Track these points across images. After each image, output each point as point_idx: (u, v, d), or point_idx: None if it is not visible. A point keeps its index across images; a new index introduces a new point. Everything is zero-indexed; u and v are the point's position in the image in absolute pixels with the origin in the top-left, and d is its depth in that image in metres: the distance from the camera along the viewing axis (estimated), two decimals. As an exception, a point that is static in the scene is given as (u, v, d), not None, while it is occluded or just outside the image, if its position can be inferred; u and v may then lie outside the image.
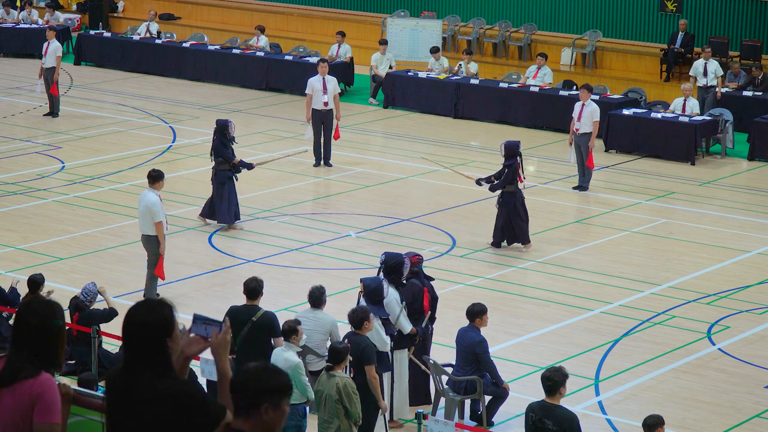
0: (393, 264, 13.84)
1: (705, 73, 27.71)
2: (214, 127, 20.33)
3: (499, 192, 19.36)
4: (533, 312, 17.10)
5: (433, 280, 14.59)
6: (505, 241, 19.57)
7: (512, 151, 19.24)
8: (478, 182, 19.87)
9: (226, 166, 20.05)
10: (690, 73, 28.21)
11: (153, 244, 16.86)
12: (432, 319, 14.19)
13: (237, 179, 20.21)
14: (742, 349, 15.97)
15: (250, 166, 20.55)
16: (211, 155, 20.24)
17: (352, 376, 12.37)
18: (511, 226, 19.36)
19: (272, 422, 5.35)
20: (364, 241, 19.85)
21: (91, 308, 14.62)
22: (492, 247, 19.54)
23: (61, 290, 16.34)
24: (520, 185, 19.38)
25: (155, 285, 17.03)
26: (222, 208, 20.06)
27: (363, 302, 13.38)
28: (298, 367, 12.20)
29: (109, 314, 14.43)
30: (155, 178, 17.01)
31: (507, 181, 19.19)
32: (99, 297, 14.81)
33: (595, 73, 31.53)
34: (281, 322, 13.15)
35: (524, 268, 18.82)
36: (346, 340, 12.53)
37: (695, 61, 28.50)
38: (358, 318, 12.59)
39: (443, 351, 14.73)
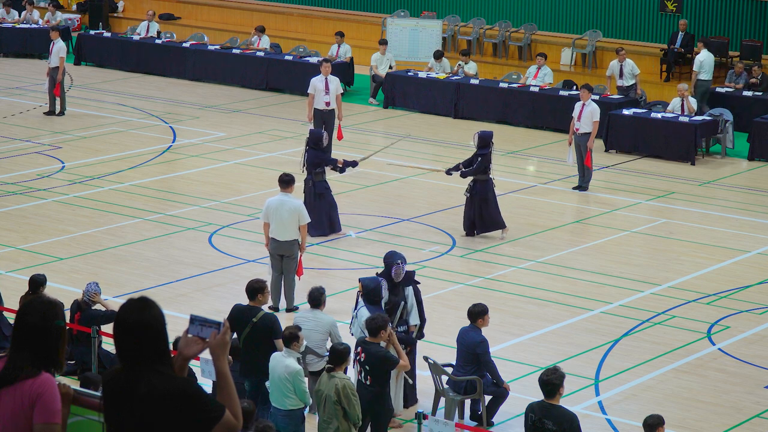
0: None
1: (621, 75, 28.22)
2: (307, 137, 19.90)
3: (470, 180, 19.81)
4: (533, 312, 17.09)
5: (419, 283, 14.44)
6: (475, 231, 19.99)
7: (485, 141, 19.80)
8: (448, 172, 20.46)
9: (322, 176, 19.62)
10: (606, 74, 28.93)
11: (294, 248, 16.60)
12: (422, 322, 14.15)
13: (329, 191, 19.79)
14: (742, 349, 15.97)
15: (354, 164, 20.56)
16: (303, 168, 19.78)
17: (369, 383, 12.34)
18: (482, 216, 19.84)
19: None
20: (364, 241, 19.85)
21: (92, 308, 14.62)
22: (466, 236, 19.89)
23: (61, 290, 16.36)
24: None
25: (294, 287, 16.72)
26: (319, 220, 19.48)
27: (361, 302, 13.40)
28: (299, 374, 12.19)
29: (111, 316, 14.42)
30: (288, 182, 16.75)
31: (479, 170, 19.66)
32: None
33: (595, 73, 31.50)
34: (282, 323, 13.16)
35: (524, 268, 18.82)
36: (359, 349, 12.48)
37: (611, 62, 28.92)
38: (376, 325, 12.41)
39: (443, 351, 14.74)
